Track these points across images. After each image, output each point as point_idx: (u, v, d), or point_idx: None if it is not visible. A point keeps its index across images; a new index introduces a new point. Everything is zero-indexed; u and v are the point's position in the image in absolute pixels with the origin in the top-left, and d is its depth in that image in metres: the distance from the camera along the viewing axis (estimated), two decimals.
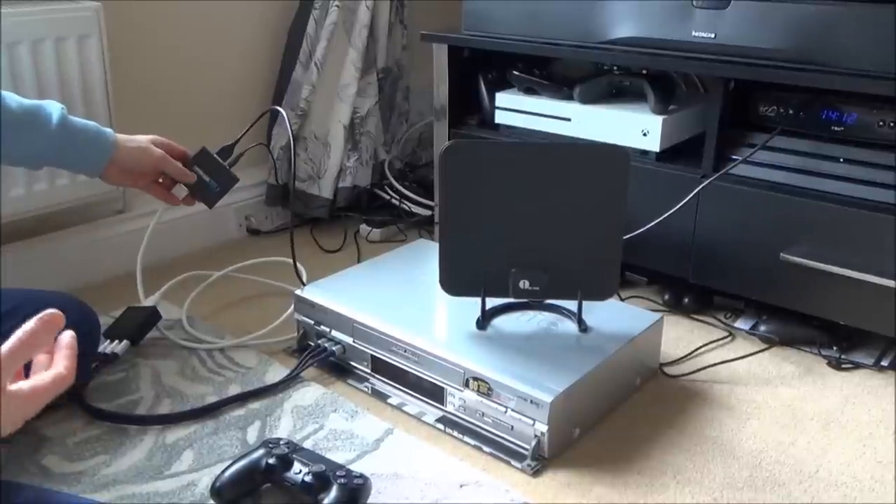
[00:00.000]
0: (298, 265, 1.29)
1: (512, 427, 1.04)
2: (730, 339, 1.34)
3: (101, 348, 1.20)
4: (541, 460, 1.02)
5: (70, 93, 1.35)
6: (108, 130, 1.10)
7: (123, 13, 1.48)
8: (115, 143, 1.10)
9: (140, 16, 1.51)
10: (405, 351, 1.13)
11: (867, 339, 1.28)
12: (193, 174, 1.17)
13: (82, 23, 1.35)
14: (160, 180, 1.18)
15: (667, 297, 1.43)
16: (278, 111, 1.50)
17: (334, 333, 1.22)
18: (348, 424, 1.10)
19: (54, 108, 1.06)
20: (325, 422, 1.10)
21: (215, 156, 1.20)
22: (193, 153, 1.19)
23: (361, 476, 0.93)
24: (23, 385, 0.63)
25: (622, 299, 1.43)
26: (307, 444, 1.04)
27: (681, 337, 1.34)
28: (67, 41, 1.33)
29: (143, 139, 1.14)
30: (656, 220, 1.32)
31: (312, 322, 1.25)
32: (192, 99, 1.64)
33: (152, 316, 1.29)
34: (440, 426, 1.09)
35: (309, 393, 1.16)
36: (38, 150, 1.05)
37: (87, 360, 1.14)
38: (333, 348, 1.21)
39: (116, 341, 1.22)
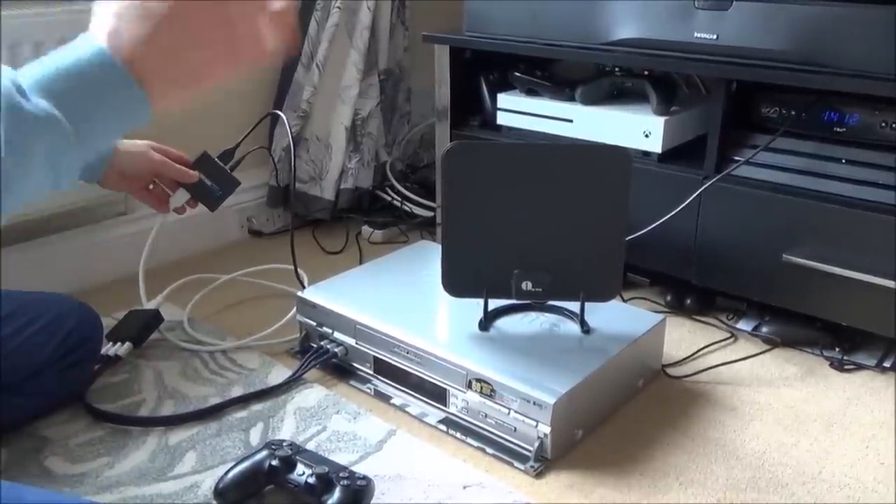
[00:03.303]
0: (299, 268, 1.29)
1: (515, 428, 1.04)
2: (732, 340, 1.34)
3: (103, 350, 1.19)
4: (544, 462, 1.02)
5: None
6: None
7: None
8: (115, 148, 1.10)
9: None
10: (407, 352, 1.13)
11: (869, 340, 1.28)
12: (195, 173, 1.17)
13: (84, 25, 1.34)
14: (150, 187, 1.18)
15: (669, 298, 1.43)
16: (279, 115, 1.50)
17: (336, 335, 1.22)
18: (351, 426, 1.10)
19: None
20: (328, 423, 1.10)
21: (216, 160, 1.20)
22: (194, 157, 1.19)
23: (364, 477, 0.93)
24: None
25: (624, 300, 1.42)
26: (310, 446, 1.04)
27: (683, 338, 1.34)
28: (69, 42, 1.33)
29: (141, 144, 1.14)
30: (658, 222, 1.32)
31: (315, 323, 1.25)
32: (193, 100, 1.63)
33: (154, 319, 1.29)
34: (443, 427, 1.09)
35: (311, 394, 1.16)
36: None
37: (90, 361, 1.14)
38: (336, 350, 1.21)
39: (119, 343, 1.22)
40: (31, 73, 0.51)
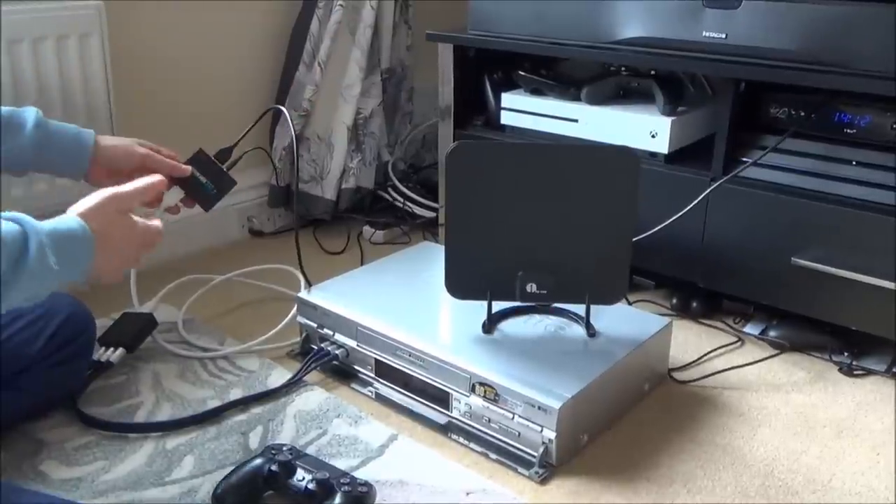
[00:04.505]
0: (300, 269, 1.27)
1: (519, 433, 1.02)
2: (739, 344, 1.32)
3: (95, 356, 1.17)
4: (548, 467, 1.00)
5: (71, 91, 1.33)
6: (89, 131, 1.08)
7: (125, 12, 1.46)
8: (95, 142, 1.07)
9: (142, 15, 1.50)
10: (409, 355, 1.11)
11: (879, 344, 1.26)
12: (187, 167, 1.14)
13: (84, 21, 1.33)
14: None
15: (674, 301, 1.41)
16: (281, 111, 1.47)
17: (337, 337, 1.20)
18: (352, 430, 1.08)
19: (30, 112, 1.04)
20: (329, 427, 1.08)
21: (213, 158, 1.18)
22: (189, 157, 1.17)
23: (366, 483, 0.91)
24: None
25: (630, 303, 1.41)
26: (310, 450, 1.03)
27: (689, 342, 1.32)
28: (69, 39, 1.31)
29: (127, 139, 1.12)
30: (664, 223, 1.30)
31: (315, 325, 1.23)
32: (194, 99, 1.62)
33: (149, 323, 1.27)
34: (446, 432, 1.07)
35: (312, 397, 1.15)
36: (14, 153, 1.03)
37: (83, 358, 1.12)
38: (337, 352, 1.19)
39: (111, 349, 1.20)
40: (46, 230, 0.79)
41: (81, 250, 0.81)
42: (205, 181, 1.16)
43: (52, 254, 0.78)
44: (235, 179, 1.20)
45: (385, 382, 1.16)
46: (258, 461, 0.94)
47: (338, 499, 0.89)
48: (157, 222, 0.92)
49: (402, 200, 1.81)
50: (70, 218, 0.83)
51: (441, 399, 1.09)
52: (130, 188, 0.89)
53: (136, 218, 0.89)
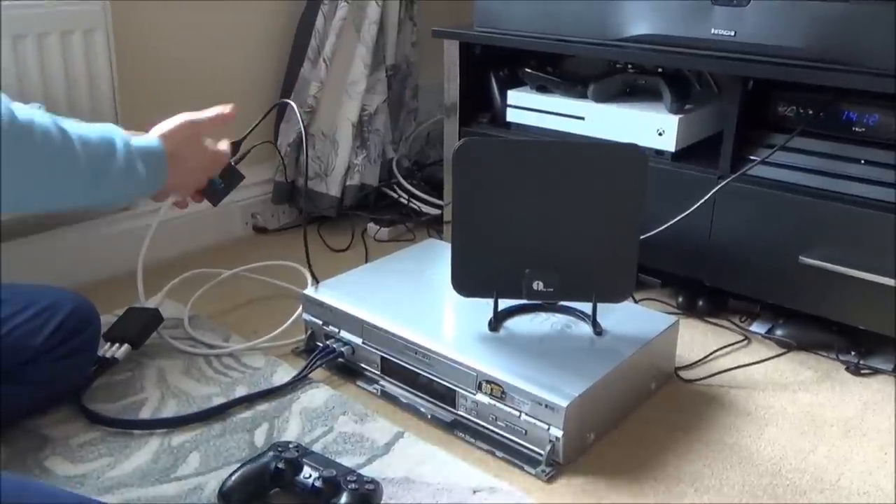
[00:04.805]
0: (305, 266, 1.27)
1: (525, 431, 1.02)
2: (745, 343, 1.31)
3: (100, 352, 1.17)
4: (555, 466, 1.00)
5: (76, 87, 1.33)
6: None
7: (130, 8, 1.46)
8: None
9: (147, 11, 1.49)
10: (416, 352, 1.11)
11: (886, 343, 1.25)
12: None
13: (88, 17, 1.32)
14: None
15: (680, 299, 1.41)
16: (287, 104, 1.47)
17: (343, 334, 1.20)
18: (358, 427, 1.07)
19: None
20: (335, 424, 1.08)
21: None
22: None
23: (372, 481, 0.91)
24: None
25: (636, 301, 1.40)
26: (316, 447, 1.02)
27: (695, 340, 1.31)
28: (73, 35, 1.31)
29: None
30: (671, 222, 1.29)
31: (321, 322, 1.22)
32: (198, 94, 1.61)
33: (154, 319, 1.26)
34: (452, 430, 1.07)
35: (318, 395, 1.14)
36: None
37: (87, 359, 1.12)
38: (342, 349, 1.19)
39: (117, 345, 1.20)
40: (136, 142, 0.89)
41: (159, 164, 0.90)
42: (213, 176, 1.15)
43: (138, 159, 0.86)
44: (244, 174, 1.19)
45: (391, 380, 1.16)
46: (264, 458, 0.93)
47: (344, 496, 0.88)
48: (224, 146, 1.02)
49: (406, 197, 1.80)
50: (151, 136, 0.92)
51: (447, 397, 1.09)
52: (203, 115, 1.00)
53: (205, 142, 0.99)
